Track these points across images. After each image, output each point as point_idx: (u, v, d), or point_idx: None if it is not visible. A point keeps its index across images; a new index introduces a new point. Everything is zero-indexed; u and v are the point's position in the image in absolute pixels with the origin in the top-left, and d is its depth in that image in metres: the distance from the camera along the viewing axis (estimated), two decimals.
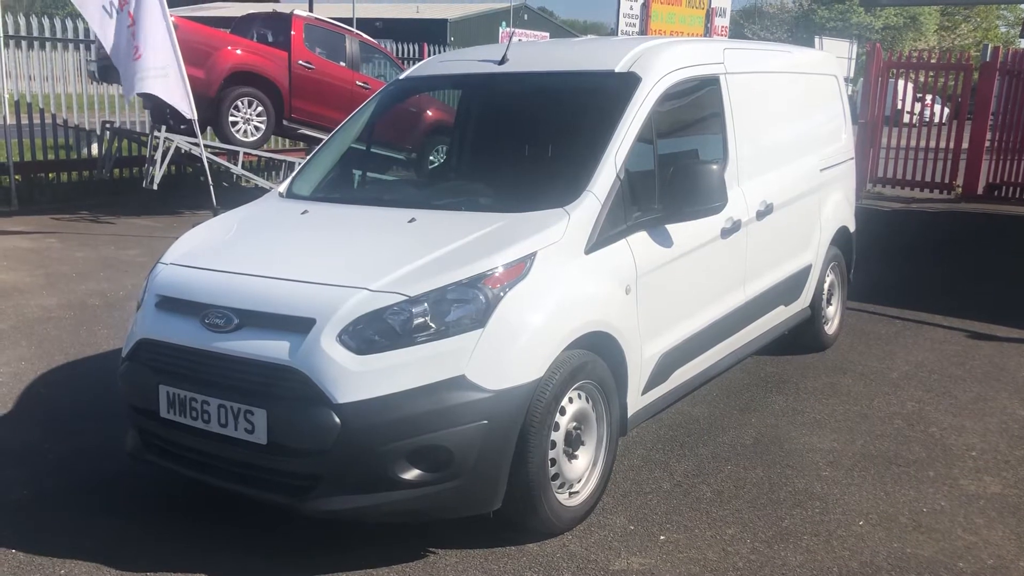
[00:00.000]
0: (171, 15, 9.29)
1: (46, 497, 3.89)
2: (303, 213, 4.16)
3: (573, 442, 3.59)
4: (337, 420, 3.10)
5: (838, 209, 6.05)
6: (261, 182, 11.68)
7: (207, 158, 10.16)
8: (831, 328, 6.17)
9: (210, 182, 9.80)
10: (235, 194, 10.68)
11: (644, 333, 3.94)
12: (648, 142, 4.10)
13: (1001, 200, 13.94)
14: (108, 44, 9.18)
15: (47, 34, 11.78)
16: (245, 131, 11.29)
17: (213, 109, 10.90)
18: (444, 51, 14.39)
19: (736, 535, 3.64)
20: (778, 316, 5.35)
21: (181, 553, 3.45)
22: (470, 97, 5.49)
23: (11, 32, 11.42)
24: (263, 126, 11.46)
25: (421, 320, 3.22)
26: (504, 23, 40.49)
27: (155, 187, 10.62)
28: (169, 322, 3.55)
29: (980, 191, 14.08)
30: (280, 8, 12.81)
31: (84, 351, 5.83)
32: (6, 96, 10.97)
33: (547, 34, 29.83)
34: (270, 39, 11.90)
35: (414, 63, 5.54)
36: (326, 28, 12.41)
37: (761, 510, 3.85)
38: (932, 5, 41.08)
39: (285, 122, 11.75)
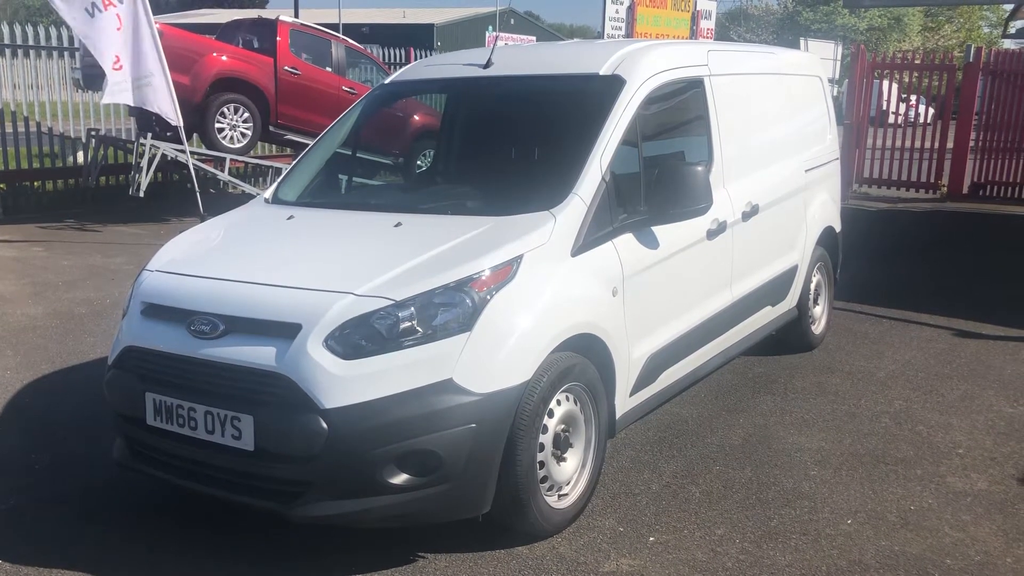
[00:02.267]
0: (156, 22, 9.26)
1: (33, 506, 3.86)
2: (289, 219, 4.16)
3: (561, 444, 3.59)
4: (324, 425, 3.09)
5: (824, 209, 6.08)
6: (248, 188, 11.65)
7: (193, 165, 10.13)
8: (818, 328, 6.20)
9: (197, 189, 9.77)
10: (222, 201, 10.64)
11: (631, 335, 3.95)
12: (633, 144, 4.11)
13: (986, 199, 14.02)
14: (92, 45, 9.10)
15: (31, 42, 11.73)
16: (231, 137, 11.27)
17: (199, 116, 10.88)
18: (430, 56, 14.40)
19: (725, 535, 3.64)
20: (765, 316, 5.37)
21: (169, 561, 3.44)
22: (456, 101, 5.49)
23: None
24: (249, 132, 11.44)
25: (408, 324, 3.22)
26: (490, 28, 40.52)
27: (141, 194, 10.59)
28: (155, 329, 3.54)
29: (965, 191, 14.16)
30: (265, 14, 12.78)
31: (70, 360, 5.80)
32: None
33: (533, 38, 29.89)
34: (256, 45, 11.89)
35: (401, 68, 5.53)
36: (312, 34, 12.40)
37: (750, 510, 3.86)
38: (916, 6, 41.34)
39: (271, 128, 11.74)
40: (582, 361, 3.62)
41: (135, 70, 9.04)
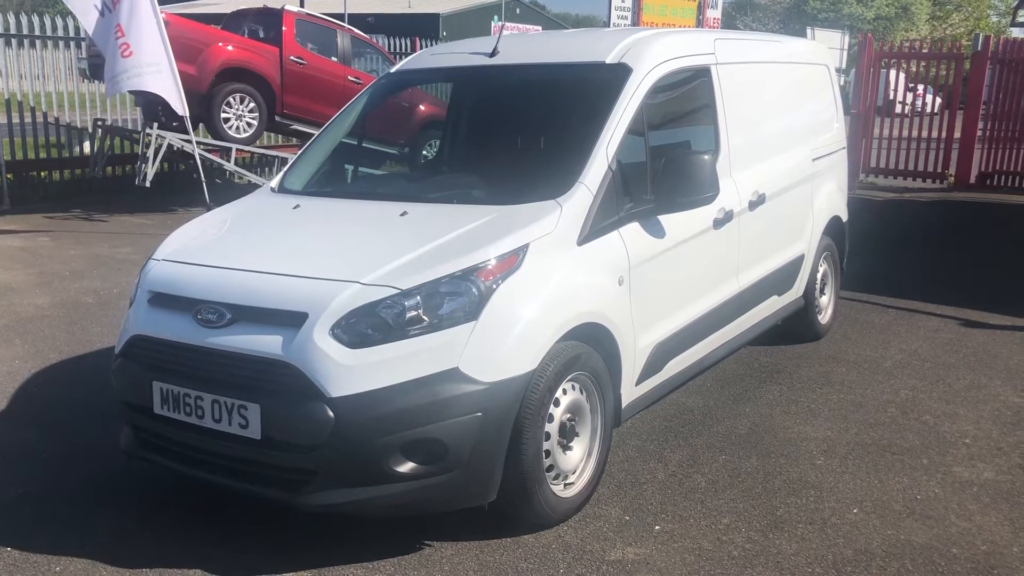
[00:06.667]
0: (161, 12, 9.26)
1: (41, 495, 3.88)
2: (295, 208, 4.16)
3: (567, 433, 3.60)
4: (331, 414, 3.10)
5: (830, 199, 6.06)
6: (254, 178, 11.65)
7: (200, 155, 10.13)
8: (824, 318, 6.19)
9: (203, 179, 9.78)
10: (228, 190, 10.65)
11: (637, 324, 3.94)
12: (639, 133, 4.09)
13: (993, 189, 13.97)
14: (101, 44, 9.14)
15: (38, 32, 11.73)
16: (237, 127, 11.26)
17: (205, 105, 10.87)
18: (436, 45, 14.38)
19: (731, 524, 3.65)
20: (771, 306, 5.36)
21: (177, 550, 3.45)
22: (461, 90, 5.48)
23: (2, 31, 11.37)
24: (255, 122, 11.43)
25: (414, 313, 3.22)
26: (496, 17, 40.42)
27: (148, 184, 10.60)
28: (162, 318, 3.54)
29: (972, 180, 14.12)
30: (271, 4, 12.76)
31: (78, 349, 5.82)
32: None
33: (539, 27, 29.81)
34: (261, 35, 11.87)
35: (406, 57, 5.52)
36: (317, 23, 12.39)
37: (756, 499, 3.86)
38: None
39: (277, 118, 11.74)
40: (588, 350, 3.62)
41: (141, 59, 9.04)
